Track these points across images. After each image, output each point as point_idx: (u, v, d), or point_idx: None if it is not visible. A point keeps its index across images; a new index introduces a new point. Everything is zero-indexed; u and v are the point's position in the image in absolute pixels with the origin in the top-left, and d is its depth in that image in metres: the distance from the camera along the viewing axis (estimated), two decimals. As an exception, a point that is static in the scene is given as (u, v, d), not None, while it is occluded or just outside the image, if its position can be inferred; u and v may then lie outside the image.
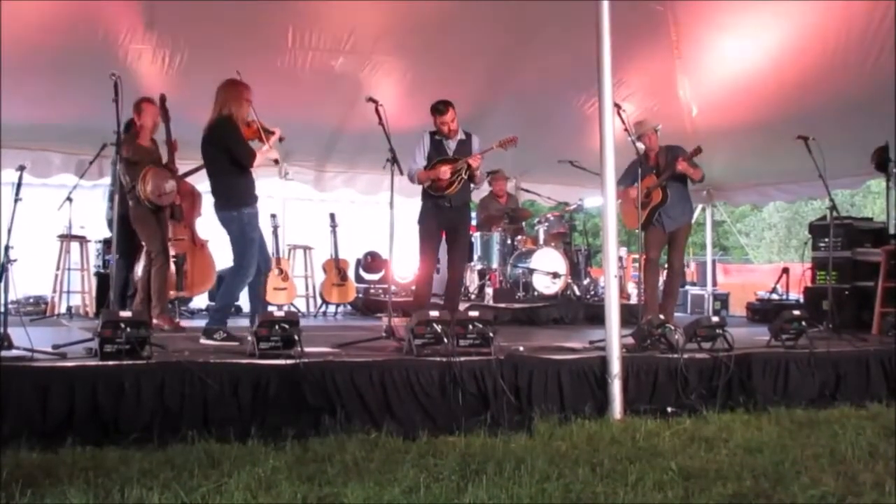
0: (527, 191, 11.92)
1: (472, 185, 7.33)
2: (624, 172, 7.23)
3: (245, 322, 6.71)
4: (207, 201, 8.90)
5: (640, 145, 7.60)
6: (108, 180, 9.05)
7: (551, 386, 5.15)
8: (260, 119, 6.17)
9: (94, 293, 9.07)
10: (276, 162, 6.67)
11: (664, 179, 7.49)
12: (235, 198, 6.05)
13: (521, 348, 5.58)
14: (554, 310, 9.25)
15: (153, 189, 6.86)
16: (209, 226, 8.90)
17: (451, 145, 7.17)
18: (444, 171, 6.98)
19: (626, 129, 6.55)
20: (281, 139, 6.26)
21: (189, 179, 7.92)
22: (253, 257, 6.05)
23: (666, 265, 8.00)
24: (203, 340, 5.79)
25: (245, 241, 6.04)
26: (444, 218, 7.16)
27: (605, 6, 5.28)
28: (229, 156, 6.01)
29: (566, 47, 7.73)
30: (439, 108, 7.07)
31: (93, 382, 4.27)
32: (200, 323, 8.69)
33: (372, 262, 11.20)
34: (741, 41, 8.11)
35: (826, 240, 8.57)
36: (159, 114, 7.10)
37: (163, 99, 7.24)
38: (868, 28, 7.41)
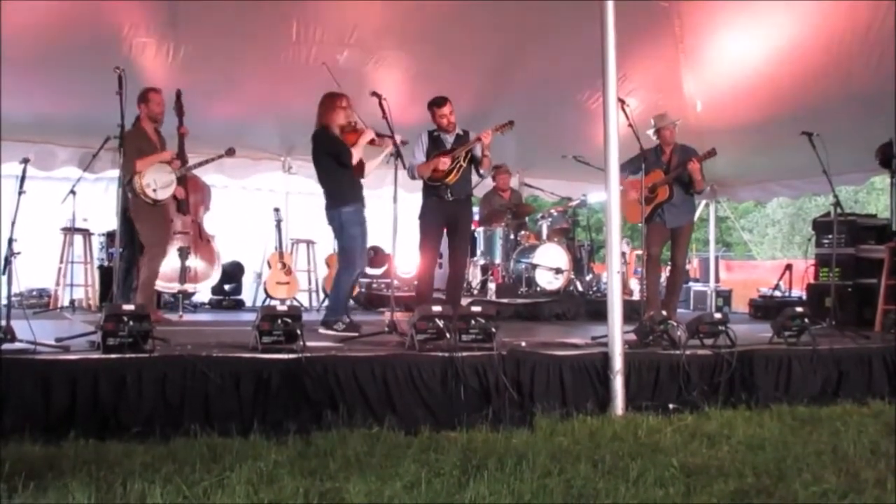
0: (530, 186, 11.90)
1: (480, 173, 7.33)
2: (629, 159, 7.22)
3: (250, 317, 6.71)
4: (216, 196, 8.96)
5: (654, 138, 7.61)
6: (111, 173, 9.07)
7: (553, 382, 5.16)
8: (360, 121, 6.74)
9: (97, 286, 9.07)
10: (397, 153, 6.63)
11: (672, 177, 7.48)
12: (336, 197, 6.62)
13: (524, 344, 5.58)
14: (556, 305, 9.23)
15: (148, 183, 6.84)
16: (217, 221, 8.96)
17: (450, 139, 7.17)
18: (444, 162, 6.99)
19: (629, 125, 6.54)
20: (372, 142, 6.65)
21: (197, 172, 7.94)
22: (354, 252, 6.60)
23: (669, 262, 7.99)
24: (322, 330, 6.29)
25: (345, 237, 6.62)
26: (445, 212, 7.16)
27: (610, 2, 5.27)
28: (332, 159, 6.57)
29: (570, 42, 7.72)
30: (438, 101, 7.10)
31: (95, 376, 4.28)
32: (203, 317, 8.76)
33: (374, 256, 11.18)
34: (745, 37, 8.09)
35: (829, 236, 8.56)
36: (164, 103, 7.07)
37: (178, 94, 7.27)
38: (872, 24, 7.38)
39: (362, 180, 6.95)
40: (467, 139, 7.15)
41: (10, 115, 7.93)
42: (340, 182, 6.65)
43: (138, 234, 6.98)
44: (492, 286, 9.60)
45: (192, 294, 9.24)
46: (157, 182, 6.92)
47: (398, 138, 6.48)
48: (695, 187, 7.61)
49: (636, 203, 7.22)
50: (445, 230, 7.26)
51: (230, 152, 7.80)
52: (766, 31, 7.90)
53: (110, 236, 9.04)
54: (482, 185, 10.86)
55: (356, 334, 6.09)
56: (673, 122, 7.68)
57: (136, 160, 6.82)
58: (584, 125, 9.15)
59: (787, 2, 7.34)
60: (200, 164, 7.63)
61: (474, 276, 10.01)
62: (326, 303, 10.31)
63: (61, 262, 9.04)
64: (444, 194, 7.09)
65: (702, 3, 7.82)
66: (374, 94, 6.40)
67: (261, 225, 10.42)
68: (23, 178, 5.15)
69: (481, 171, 7.32)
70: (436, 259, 7.37)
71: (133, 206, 6.93)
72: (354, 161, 6.59)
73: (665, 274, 8.28)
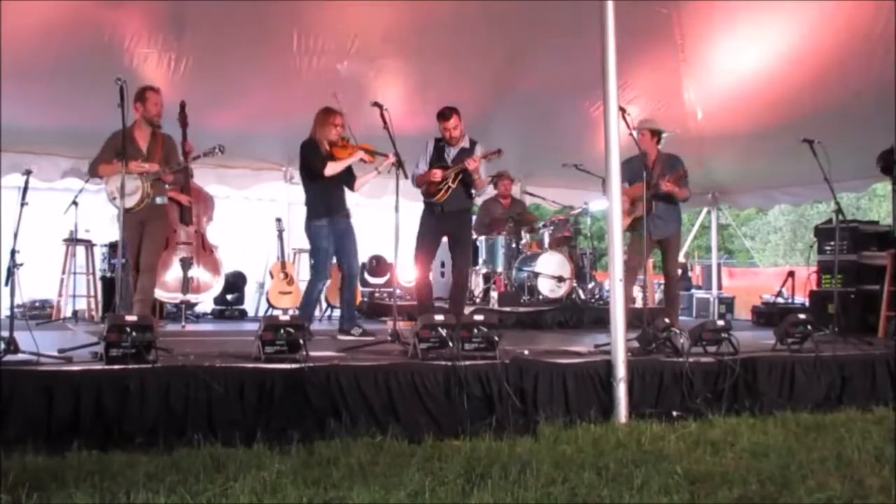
0: (532, 194, 11.91)
1: (472, 192, 7.33)
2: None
3: (253, 326, 6.72)
4: (218, 206, 8.98)
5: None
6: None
7: (556, 390, 5.16)
8: (353, 138, 6.95)
9: (99, 297, 9.08)
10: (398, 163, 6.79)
11: (650, 195, 7.31)
12: (308, 210, 6.94)
13: (526, 352, 5.58)
14: (559, 313, 9.24)
15: (111, 190, 6.50)
16: (219, 231, 8.97)
17: (452, 153, 7.20)
18: (436, 174, 7.04)
19: (630, 133, 6.53)
20: (393, 163, 6.66)
21: (199, 182, 7.89)
22: (319, 264, 6.92)
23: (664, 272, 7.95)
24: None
25: (313, 249, 6.99)
26: (439, 224, 7.25)
27: (610, 6, 5.28)
28: (306, 171, 6.87)
29: (571, 50, 7.73)
30: (444, 113, 7.12)
31: (98, 386, 4.28)
32: (206, 327, 8.76)
33: (377, 265, 11.19)
34: (746, 44, 8.10)
35: (832, 243, 8.56)
36: (162, 104, 6.85)
37: (182, 106, 7.20)
38: (873, 30, 7.39)
39: (359, 191, 7.20)
40: (472, 151, 7.15)
41: (12, 126, 7.95)
42: (314, 195, 6.89)
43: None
44: (494, 295, 9.61)
45: (195, 304, 9.24)
46: (119, 190, 6.30)
47: (391, 155, 6.60)
48: (677, 198, 7.52)
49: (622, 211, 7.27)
50: (447, 241, 7.30)
51: (220, 149, 7.03)
52: (766, 38, 7.92)
53: (112, 247, 9.05)
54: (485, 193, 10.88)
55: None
56: (648, 128, 7.52)
57: (101, 165, 6.60)
58: (586, 133, 9.16)
59: (787, 5, 7.34)
60: (197, 158, 7.15)
61: (476, 284, 10.02)
62: (329, 312, 10.36)
63: (64, 272, 9.05)
64: (436, 208, 7.17)
65: (702, 8, 7.83)
66: (376, 104, 6.43)
67: (263, 235, 10.43)
68: (25, 190, 5.16)
69: (473, 192, 7.32)
70: (428, 268, 7.45)
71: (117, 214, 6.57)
72: (328, 173, 6.74)
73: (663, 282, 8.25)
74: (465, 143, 7.22)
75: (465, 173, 7.06)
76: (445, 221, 7.21)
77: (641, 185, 7.26)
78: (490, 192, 10.54)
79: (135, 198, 6.67)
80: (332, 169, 6.79)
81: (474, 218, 10.11)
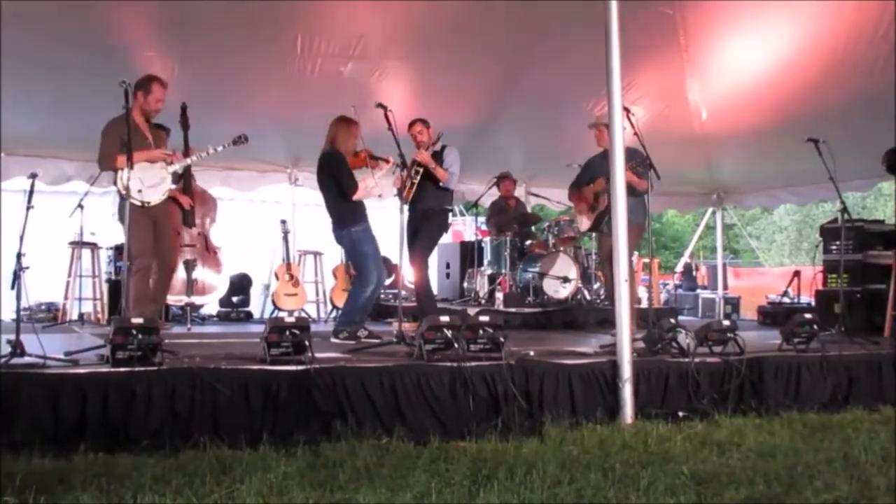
0: (536, 195, 11.91)
1: (439, 186, 7.40)
2: (580, 172, 7.64)
3: (259, 328, 6.72)
4: (223, 208, 9.01)
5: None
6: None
7: (562, 390, 5.15)
8: (368, 148, 6.87)
9: (105, 300, 9.10)
10: (380, 196, 7.20)
11: (608, 188, 7.05)
12: (344, 218, 6.73)
13: (532, 353, 5.57)
14: (564, 314, 9.22)
15: (133, 181, 5.86)
16: (224, 233, 8.99)
17: None
18: (397, 179, 7.14)
19: (635, 133, 6.52)
20: (396, 164, 6.78)
21: (203, 185, 7.91)
22: (367, 268, 6.73)
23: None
24: (332, 339, 6.55)
25: (357, 254, 6.82)
26: (413, 224, 7.43)
27: (614, 6, 5.28)
28: (334, 185, 6.69)
29: (575, 51, 7.73)
30: (411, 122, 7.32)
31: (104, 389, 4.29)
32: (212, 329, 8.77)
33: (382, 267, 11.20)
34: (750, 43, 8.08)
35: (837, 242, 8.52)
36: (164, 100, 6.55)
37: (183, 108, 7.19)
38: (877, 29, 7.37)
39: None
40: (441, 156, 7.38)
41: (18, 129, 7.97)
42: (348, 203, 6.71)
43: (126, 241, 6.00)
44: (499, 295, 9.60)
45: (200, 306, 9.25)
46: (144, 181, 6.13)
47: (390, 159, 6.72)
48: (637, 190, 7.05)
49: (581, 212, 7.61)
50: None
51: (243, 139, 6.96)
52: (770, 37, 7.90)
53: (118, 250, 9.06)
54: (489, 195, 10.90)
55: (353, 342, 6.31)
56: (605, 123, 7.38)
57: (118, 154, 5.91)
58: (590, 134, 9.15)
59: (792, 5, 7.33)
60: (208, 154, 6.79)
61: (482, 285, 10.03)
62: (334, 314, 10.37)
63: (69, 275, 9.06)
64: (409, 209, 7.31)
65: (706, 9, 7.81)
66: (380, 105, 6.44)
67: (268, 237, 10.45)
68: (31, 193, 5.16)
69: (441, 184, 7.39)
70: (423, 270, 7.59)
71: (120, 209, 6.19)
72: (357, 197, 6.65)
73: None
74: (437, 149, 7.39)
75: (427, 170, 7.25)
76: (416, 220, 7.40)
77: (601, 181, 7.19)
78: (495, 192, 10.61)
79: (160, 190, 6.32)
80: (361, 194, 6.70)
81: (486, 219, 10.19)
